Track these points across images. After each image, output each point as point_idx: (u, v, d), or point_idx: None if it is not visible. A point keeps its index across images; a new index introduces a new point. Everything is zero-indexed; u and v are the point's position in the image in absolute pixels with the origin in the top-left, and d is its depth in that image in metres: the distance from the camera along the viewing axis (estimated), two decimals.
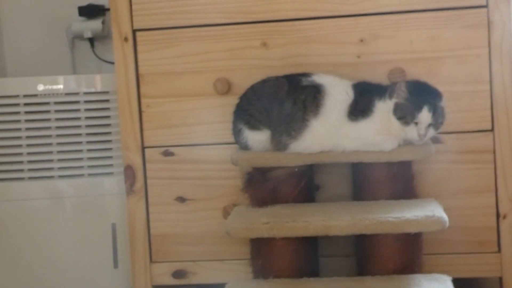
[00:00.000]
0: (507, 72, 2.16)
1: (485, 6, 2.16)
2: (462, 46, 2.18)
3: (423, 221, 1.93)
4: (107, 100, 2.52)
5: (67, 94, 2.51)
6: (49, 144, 2.52)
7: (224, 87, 2.25)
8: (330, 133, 2.09)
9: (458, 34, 2.18)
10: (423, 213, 1.96)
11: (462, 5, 2.18)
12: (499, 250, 2.21)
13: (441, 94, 2.06)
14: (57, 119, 2.51)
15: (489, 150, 2.19)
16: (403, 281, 1.93)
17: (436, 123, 2.04)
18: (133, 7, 2.28)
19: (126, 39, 2.29)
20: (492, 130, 2.19)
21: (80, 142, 2.52)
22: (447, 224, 1.95)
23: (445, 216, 1.95)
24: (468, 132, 2.20)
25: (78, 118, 2.52)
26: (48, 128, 2.51)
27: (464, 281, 2.13)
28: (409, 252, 2.02)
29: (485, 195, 2.21)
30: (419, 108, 2.01)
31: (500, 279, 2.22)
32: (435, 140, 2.16)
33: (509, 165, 2.18)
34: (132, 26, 2.29)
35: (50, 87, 2.50)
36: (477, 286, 2.48)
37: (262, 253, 2.06)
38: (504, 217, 2.20)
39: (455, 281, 1.96)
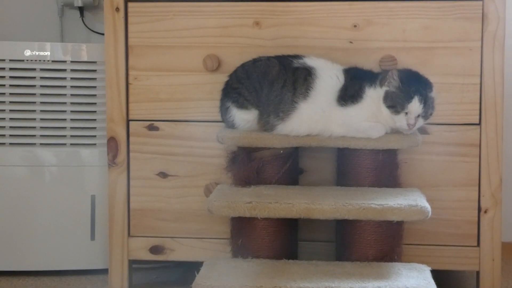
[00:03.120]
0: (498, 67, 2.16)
1: None
2: (455, 38, 2.17)
3: (406, 210, 1.93)
4: (94, 70, 2.49)
5: (54, 61, 2.48)
6: (33, 111, 2.49)
7: (214, 64, 2.23)
8: (318, 116, 2.08)
9: (452, 25, 2.17)
10: (406, 202, 1.95)
11: None
12: (478, 245, 2.22)
13: (432, 84, 2.06)
14: (42, 86, 2.48)
15: (475, 144, 2.20)
16: (383, 268, 1.93)
17: (426, 114, 2.03)
18: None
19: (117, 9, 2.26)
20: (479, 124, 2.19)
21: (64, 111, 2.49)
22: (430, 214, 1.95)
23: (428, 206, 1.95)
24: (456, 124, 2.20)
25: (63, 87, 2.49)
26: (33, 94, 2.48)
27: (441, 273, 2.13)
28: (390, 240, 2.02)
29: (468, 189, 2.21)
30: (409, 98, 2.01)
31: (477, 273, 2.23)
32: (422, 131, 2.16)
33: (494, 160, 2.19)
34: None
35: (37, 53, 2.47)
36: (454, 278, 2.49)
37: (243, 232, 2.05)
38: (486, 211, 2.20)
39: (433, 272, 1.96)
